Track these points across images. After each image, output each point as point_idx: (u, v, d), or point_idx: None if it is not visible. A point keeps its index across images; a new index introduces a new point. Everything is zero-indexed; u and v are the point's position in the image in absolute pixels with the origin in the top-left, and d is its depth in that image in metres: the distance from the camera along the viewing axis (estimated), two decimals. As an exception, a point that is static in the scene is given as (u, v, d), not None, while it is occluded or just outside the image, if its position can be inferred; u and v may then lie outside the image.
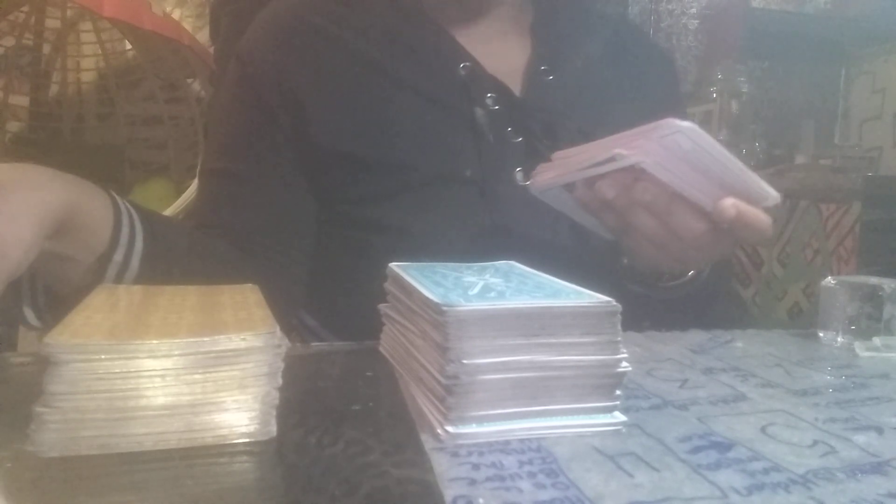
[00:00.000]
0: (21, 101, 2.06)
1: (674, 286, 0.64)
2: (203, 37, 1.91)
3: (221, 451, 0.33)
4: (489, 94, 0.70)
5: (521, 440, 0.34)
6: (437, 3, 0.75)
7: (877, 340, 0.56)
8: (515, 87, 0.72)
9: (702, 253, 0.56)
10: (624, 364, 0.36)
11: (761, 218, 0.53)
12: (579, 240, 0.70)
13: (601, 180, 0.54)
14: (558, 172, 0.57)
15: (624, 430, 0.36)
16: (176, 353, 0.33)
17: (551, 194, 0.59)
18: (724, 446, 0.35)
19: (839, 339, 0.58)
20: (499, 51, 0.74)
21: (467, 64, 0.71)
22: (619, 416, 0.37)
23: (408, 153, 0.68)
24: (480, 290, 0.38)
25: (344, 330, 0.69)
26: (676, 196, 0.52)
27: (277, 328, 0.35)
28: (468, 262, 0.50)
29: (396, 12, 0.74)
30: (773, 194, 0.52)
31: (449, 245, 0.66)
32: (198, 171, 0.82)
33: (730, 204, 0.51)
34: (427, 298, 0.36)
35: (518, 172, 0.69)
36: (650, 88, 0.79)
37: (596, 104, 0.74)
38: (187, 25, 1.96)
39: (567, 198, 0.58)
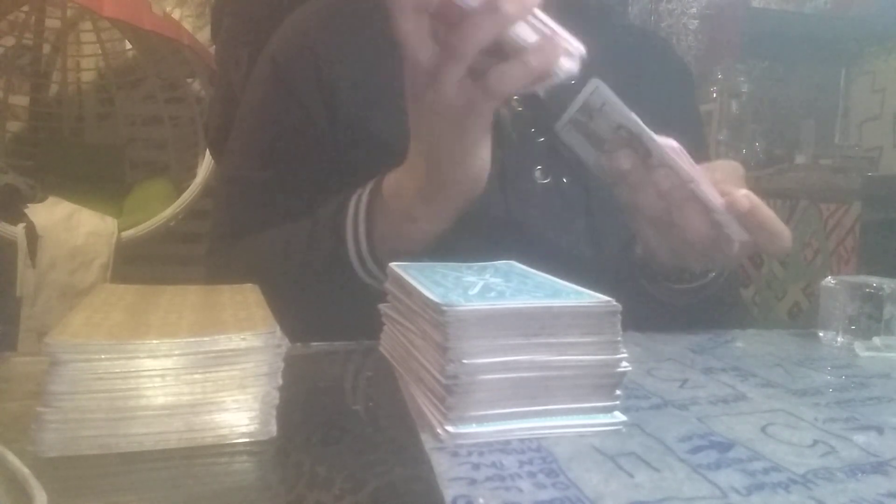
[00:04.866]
0: (21, 101, 2.06)
1: (685, 289, 0.64)
2: (203, 37, 1.92)
3: (221, 451, 0.33)
4: (515, 96, 0.71)
5: (521, 440, 0.34)
6: None
7: (877, 340, 0.56)
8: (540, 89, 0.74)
9: (702, 254, 0.56)
10: (624, 364, 0.36)
11: (777, 221, 0.53)
12: (593, 239, 0.71)
13: (620, 151, 0.54)
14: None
15: (624, 430, 0.36)
16: (176, 352, 0.33)
17: (573, 137, 0.59)
18: (724, 446, 0.35)
19: (839, 339, 0.58)
20: None
21: None
22: (619, 416, 0.37)
23: None
24: (480, 290, 0.38)
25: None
26: (691, 193, 0.52)
27: (277, 328, 0.35)
28: (484, 255, 0.50)
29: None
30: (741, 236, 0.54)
31: (465, 238, 0.66)
32: (223, 175, 0.82)
33: (743, 194, 0.52)
34: (427, 298, 0.36)
35: (538, 170, 0.70)
36: (668, 97, 0.80)
37: None
38: (187, 25, 1.96)
39: (589, 150, 0.58)
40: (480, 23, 0.48)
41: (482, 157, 0.55)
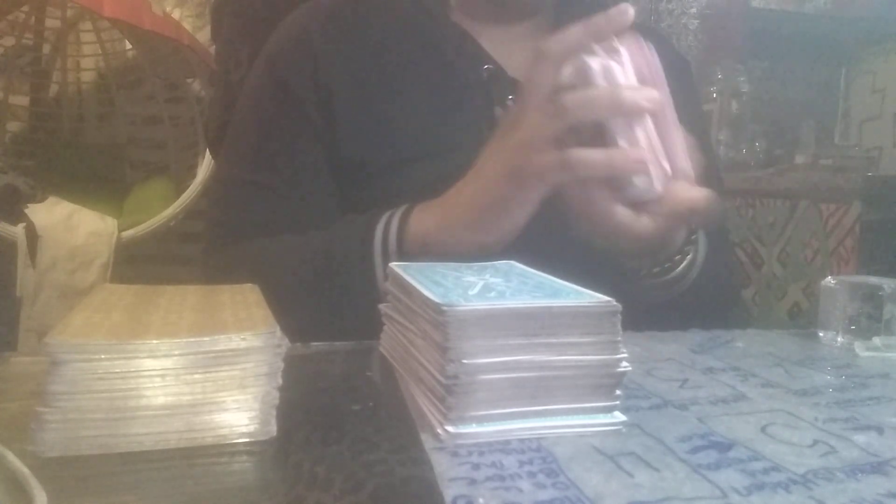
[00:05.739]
0: (21, 101, 2.06)
1: (650, 284, 0.64)
2: (203, 37, 1.92)
3: (221, 451, 0.33)
4: (510, 96, 0.71)
5: (521, 440, 0.34)
6: (463, 8, 0.76)
7: (877, 340, 0.56)
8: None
9: (623, 238, 0.55)
10: (624, 364, 0.36)
11: (707, 199, 0.53)
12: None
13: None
14: None
15: (624, 430, 0.36)
16: (176, 352, 0.33)
17: None
18: (724, 446, 0.35)
19: (839, 339, 0.58)
20: (520, 54, 0.75)
21: (490, 66, 0.73)
22: (619, 416, 0.37)
23: (428, 151, 0.69)
24: (480, 290, 0.38)
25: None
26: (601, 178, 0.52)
27: (277, 328, 0.35)
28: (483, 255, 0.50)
29: (422, 15, 0.75)
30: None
31: None
32: (220, 176, 0.83)
33: (683, 195, 0.52)
34: (427, 298, 0.37)
35: None
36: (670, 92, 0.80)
37: None
38: (187, 25, 1.96)
39: None
40: (597, 97, 0.51)
41: (519, 221, 0.56)
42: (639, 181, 0.51)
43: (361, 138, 0.70)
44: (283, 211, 0.71)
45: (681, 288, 0.65)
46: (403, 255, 0.59)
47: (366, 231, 0.61)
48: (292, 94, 0.71)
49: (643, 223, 0.53)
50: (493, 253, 0.56)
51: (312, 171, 0.71)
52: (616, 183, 0.52)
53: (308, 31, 0.74)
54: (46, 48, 2.08)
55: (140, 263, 1.84)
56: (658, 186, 0.51)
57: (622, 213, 0.53)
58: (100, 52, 2.09)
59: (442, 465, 0.31)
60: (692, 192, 0.53)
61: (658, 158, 0.51)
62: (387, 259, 0.59)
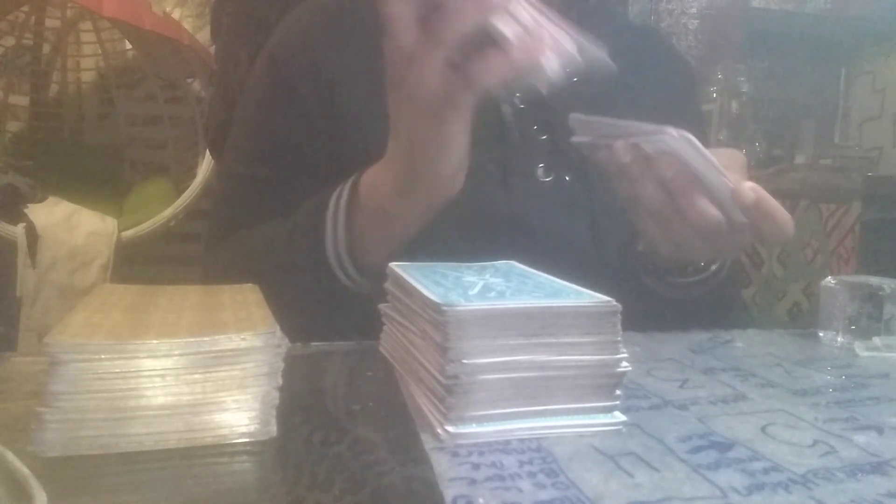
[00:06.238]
0: (21, 101, 2.06)
1: (687, 283, 0.64)
2: (203, 37, 1.92)
3: (221, 451, 0.33)
4: (517, 94, 0.71)
5: (521, 440, 0.34)
6: None
7: (877, 340, 0.56)
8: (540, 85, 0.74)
9: (708, 243, 0.56)
10: (624, 364, 0.36)
11: (782, 210, 0.54)
12: (595, 237, 0.71)
13: (619, 143, 0.54)
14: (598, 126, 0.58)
15: (624, 430, 0.36)
16: (176, 352, 0.33)
17: (587, 126, 0.60)
18: (724, 446, 0.35)
19: (839, 339, 0.58)
20: None
21: None
22: (619, 416, 0.37)
23: None
24: (480, 290, 0.38)
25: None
26: (696, 179, 0.53)
27: (277, 328, 0.35)
28: (485, 254, 0.50)
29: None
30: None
31: (466, 237, 0.66)
32: (221, 171, 0.83)
33: (749, 187, 0.52)
34: (427, 298, 0.37)
35: (540, 168, 0.70)
36: (669, 92, 0.80)
37: (618, 105, 0.75)
38: (187, 25, 1.96)
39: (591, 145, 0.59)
40: (462, 8, 0.47)
41: (459, 152, 0.54)
42: (547, 66, 0.48)
43: (364, 133, 0.70)
44: (283, 207, 0.71)
45: (710, 286, 0.65)
46: (356, 223, 0.58)
47: (318, 205, 0.61)
48: (294, 91, 0.71)
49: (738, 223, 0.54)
50: (454, 195, 0.56)
51: (313, 166, 0.71)
52: (524, 77, 0.49)
53: (310, 27, 0.74)
54: (46, 48, 2.08)
55: (140, 263, 1.84)
56: (566, 65, 0.48)
57: (716, 216, 0.53)
58: (100, 52, 2.08)
59: (442, 465, 0.31)
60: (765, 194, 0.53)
61: (555, 36, 0.48)
62: (337, 230, 0.59)
